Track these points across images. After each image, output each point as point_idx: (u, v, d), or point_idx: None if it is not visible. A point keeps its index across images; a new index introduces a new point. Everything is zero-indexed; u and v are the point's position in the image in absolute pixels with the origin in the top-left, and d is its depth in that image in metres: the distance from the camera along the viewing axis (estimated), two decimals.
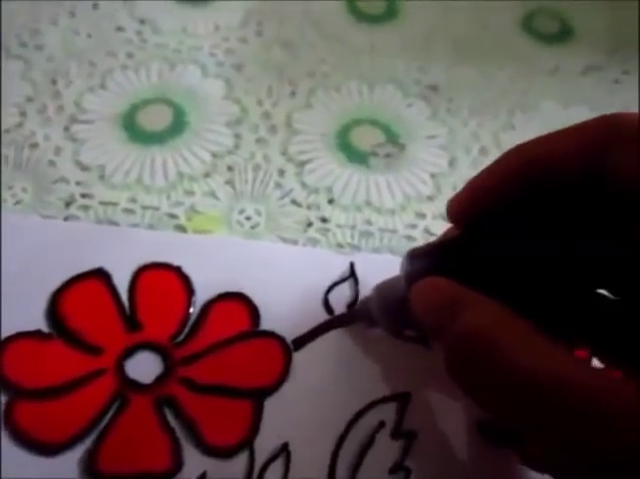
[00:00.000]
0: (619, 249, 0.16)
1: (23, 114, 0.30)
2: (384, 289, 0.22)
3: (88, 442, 0.22)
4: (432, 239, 0.27)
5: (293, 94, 0.32)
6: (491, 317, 0.16)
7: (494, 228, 0.18)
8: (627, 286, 0.17)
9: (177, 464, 0.22)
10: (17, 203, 0.27)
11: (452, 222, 0.20)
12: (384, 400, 0.24)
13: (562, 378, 0.14)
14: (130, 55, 0.33)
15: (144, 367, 0.23)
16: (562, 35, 0.37)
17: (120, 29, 0.34)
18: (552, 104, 0.33)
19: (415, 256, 0.20)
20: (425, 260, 0.19)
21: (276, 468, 0.22)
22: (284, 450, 0.22)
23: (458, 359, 0.16)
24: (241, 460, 0.22)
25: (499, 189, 0.18)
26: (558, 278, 0.17)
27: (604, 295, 0.18)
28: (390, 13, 0.36)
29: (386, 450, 0.23)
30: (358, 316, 0.25)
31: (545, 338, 0.15)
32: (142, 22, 0.34)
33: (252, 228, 0.27)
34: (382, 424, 0.23)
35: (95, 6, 0.35)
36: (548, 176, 0.17)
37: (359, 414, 0.23)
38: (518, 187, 0.18)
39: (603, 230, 0.17)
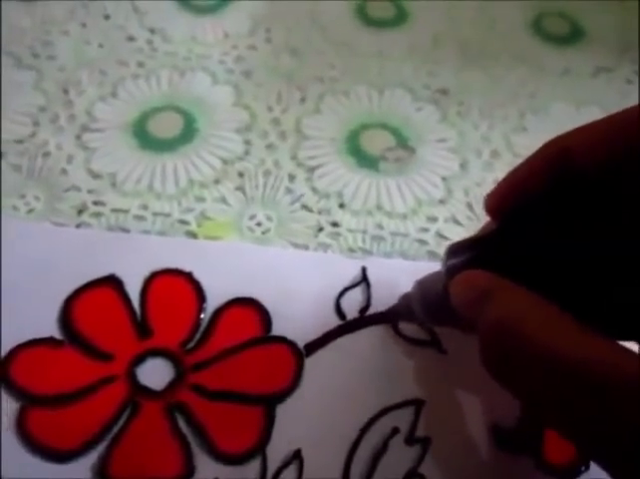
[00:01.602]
0: None
1: (36, 123, 0.30)
2: (425, 285, 0.22)
3: (100, 449, 0.22)
4: (444, 242, 0.27)
5: (302, 100, 0.32)
6: (522, 305, 0.16)
7: (532, 220, 0.18)
8: None
9: (189, 471, 0.21)
10: (30, 211, 0.27)
11: (489, 215, 0.20)
12: (397, 406, 0.23)
13: (591, 361, 0.14)
14: (140, 64, 0.33)
15: (155, 374, 0.23)
16: (572, 36, 0.36)
17: (130, 38, 0.34)
18: (564, 105, 0.33)
19: (454, 251, 0.20)
20: (464, 254, 0.19)
21: (289, 475, 0.22)
22: (297, 457, 0.22)
23: (490, 347, 0.16)
24: (253, 467, 0.22)
25: (536, 181, 0.18)
26: (592, 273, 0.16)
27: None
28: (398, 18, 0.36)
29: (400, 457, 0.22)
30: (399, 313, 0.24)
31: (576, 324, 0.15)
32: (152, 31, 0.34)
33: (263, 233, 0.27)
34: (395, 430, 0.23)
35: (106, 17, 0.35)
36: (583, 166, 0.17)
37: (372, 420, 0.23)
38: (554, 178, 0.18)
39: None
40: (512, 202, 0.19)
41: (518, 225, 0.18)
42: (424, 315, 0.22)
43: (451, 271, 0.19)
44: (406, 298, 0.24)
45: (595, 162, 0.17)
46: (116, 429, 0.22)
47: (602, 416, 0.14)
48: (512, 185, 0.19)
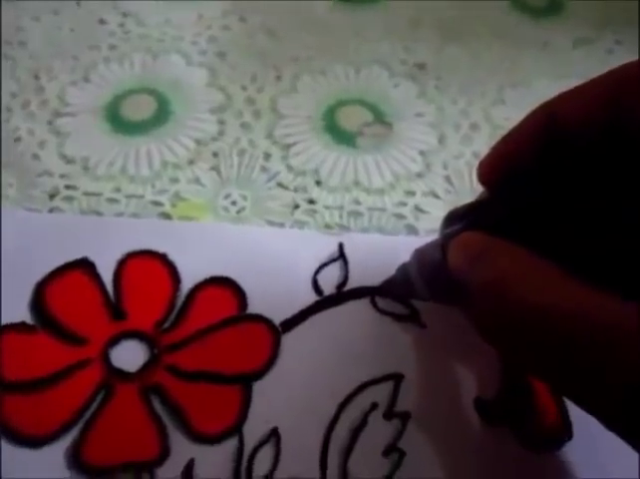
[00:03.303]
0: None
1: (8, 110, 0.30)
2: (423, 253, 0.22)
3: (74, 433, 0.21)
4: (422, 216, 0.27)
5: (278, 79, 0.31)
6: (516, 263, 0.16)
7: (524, 185, 0.18)
8: None
9: (164, 452, 0.21)
10: (5, 198, 0.27)
11: (482, 184, 0.20)
12: (376, 381, 0.23)
13: (590, 314, 0.14)
14: (113, 47, 0.32)
15: (129, 356, 0.23)
16: (551, 8, 0.36)
17: (102, 22, 0.34)
18: (543, 78, 0.32)
19: (451, 218, 0.20)
20: (460, 221, 0.19)
21: (266, 453, 0.21)
22: (274, 435, 0.22)
23: (484, 306, 0.16)
24: (230, 446, 0.21)
25: (525, 147, 0.18)
26: (581, 230, 0.17)
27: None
28: None
29: (379, 432, 0.22)
30: (396, 284, 0.24)
31: (571, 278, 0.15)
32: (124, 15, 0.34)
33: (238, 212, 0.27)
34: (374, 406, 0.22)
35: (78, 4, 0.34)
36: (570, 130, 0.17)
37: (350, 396, 0.23)
38: (543, 144, 0.18)
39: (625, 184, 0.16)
40: (504, 169, 0.19)
41: (511, 189, 0.19)
42: (422, 284, 0.22)
43: (448, 238, 0.19)
44: (403, 268, 0.23)
45: (580, 125, 0.17)
46: (89, 413, 0.22)
47: (601, 367, 0.13)
48: (503, 153, 0.19)
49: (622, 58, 0.34)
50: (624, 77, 0.16)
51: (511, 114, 0.30)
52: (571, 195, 0.17)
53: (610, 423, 0.14)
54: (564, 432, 0.22)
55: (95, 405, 0.22)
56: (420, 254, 0.22)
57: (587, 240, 0.17)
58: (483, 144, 0.29)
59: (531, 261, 0.16)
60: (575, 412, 0.22)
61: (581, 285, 0.15)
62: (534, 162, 0.18)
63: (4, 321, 0.23)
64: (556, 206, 0.17)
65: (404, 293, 0.24)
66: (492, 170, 0.20)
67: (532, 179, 0.18)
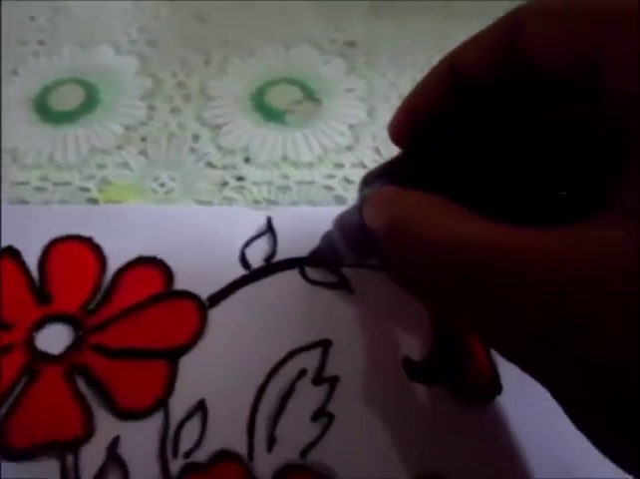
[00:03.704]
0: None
1: None
2: (343, 218, 0.22)
3: None
4: (350, 186, 0.27)
5: (207, 63, 0.31)
6: (410, 204, 0.16)
7: (432, 138, 0.18)
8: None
9: (89, 430, 0.21)
10: None
11: (394, 143, 0.20)
12: (305, 348, 0.23)
13: (478, 243, 0.14)
14: (41, 42, 0.32)
15: (54, 339, 0.23)
16: None
17: (32, 18, 0.34)
18: None
19: (367, 179, 0.20)
20: (375, 181, 0.20)
21: (193, 426, 0.21)
22: (200, 407, 0.21)
23: (386, 247, 0.17)
24: (156, 421, 0.21)
25: (431, 102, 0.19)
26: (480, 178, 0.17)
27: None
28: None
29: (308, 398, 0.22)
30: (323, 252, 0.24)
31: (466, 213, 0.15)
32: (54, 9, 0.34)
33: (167, 193, 0.27)
34: (303, 372, 0.22)
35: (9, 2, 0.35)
36: (472, 78, 0.17)
37: (279, 364, 0.22)
38: (448, 95, 0.18)
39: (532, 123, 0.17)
40: (413, 125, 0.19)
41: (421, 143, 0.19)
42: (345, 248, 0.22)
43: (365, 198, 0.19)
44: (327, 236, 0.23)
45: (479, 72, 0.17)
46: (13, 397, 0.21)
47: (490, 296, 0.14)
48: (410, 109, 0.19)
49: None
50: (517, 14, 0.17)
51: None
52: (475, 141, 0.18)
53: (512, 356, 0.14)
54: (494, 384, 0.22)
55: (18, 389, 0.22)
56: (341, 220, 0.22)
57: (491, 183, 0.17)
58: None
59: (432, 203, 0.16)
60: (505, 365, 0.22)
61: (482, 220, 0.15)
62: (441, 114, 0.19)
63: None
64: (463, 153, 0.18)
65: (330, 261, 0.24)
66: (402, 127, 0.20)
67: (440, 130, 0.19)
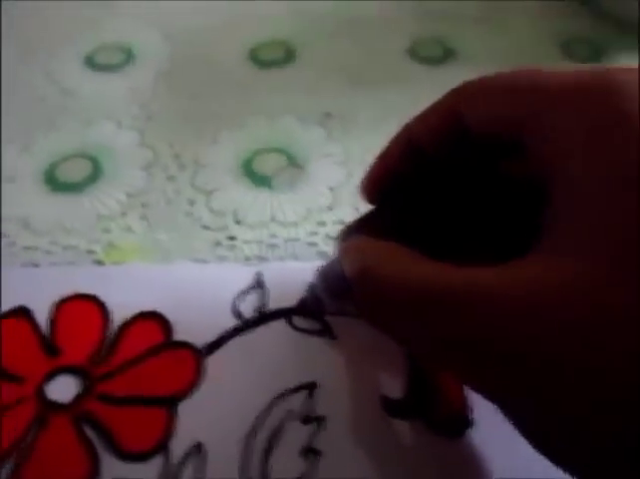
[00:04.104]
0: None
1: None
2: (325, 270, 0.25)
3: (8, 466, 0.23)
4: (331, 242, 0.30)
5: (200, 135, 0.35)
6: (379, 252, 0.19)
7: (397, 195, 0.22)
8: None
9: (94, 472, 0.23)
10: None
11: (366, 201, 0.23)
12: (292, 391, 0.25)
13: (422, 283, 0.16)
14: (51, 120, 0.36)
15: (63, 389, 0.25)
16: (446, 57, 0.41)
17: (42, 99, 0.37)
18: None
19: (343, 234, 0.23)
20: (351, 234, 0.23)
21: (191, 467, 0.23)
22: (198, 449, 0.23)
23: (357, 293, 0.19)
24: (157, 463, 0.23)
25: (392, 168, 0.22)
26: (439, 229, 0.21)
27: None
28: (286, 57, 0.40)
29: (296, 436, 0.24)
30: (307, 302, 0.27)
31: (418, 257, 0.18)
32: (63, 92, 0.38)
33: (165, 253, 0.29)
34: (291, 412, 0.24)
35: (20, 82, 0.38)
36: (424, 145, 0.20)
37: (269, 406, 0.24)
38: (406, 162, 0.21)
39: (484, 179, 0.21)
40: (380, 185, 0.23)
41: (389, 200, 0.22)
42: (327, 297, 0.25)
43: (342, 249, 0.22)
44: (311, 287, 0.26)
45: (429, 140, 0.20)
46: (25, 445, 0.23)
47: (456, 331, 0.16)
48: (377, 172, 0.23)
49: None
50: (457, 91, 0.20)
51: None
52: (433, 196, 0.21)
53: (464, 379, 0.17)
54: (466, 416, 0.24)
55: (30, 438, 0.24)
56: (323, 272, 0.25)
57: (447, 228, 0.21)
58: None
59: (391, 250, 0.19)
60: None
61: (430, 262, 0.17)
62: (404, 175, 0.22)
63: None
64: (421, 208, 0.21)
65: (315, 309, 0.27)
66: (371, 187, 0.23)
67: (404, 189, 0.22)
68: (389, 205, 0.22)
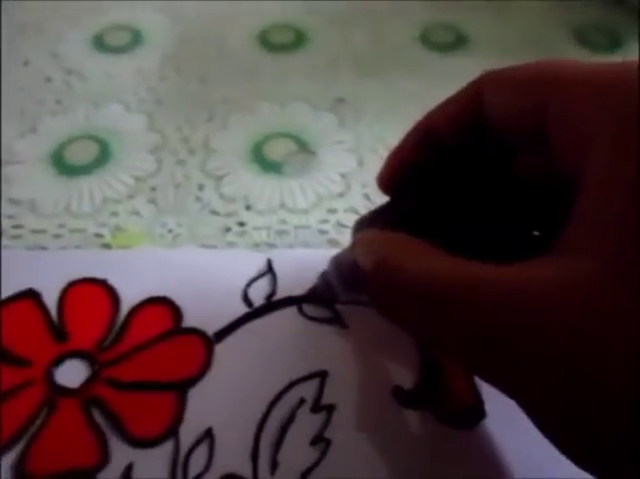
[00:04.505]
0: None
1: None
2: (338, 258, 0.25)
3: (18, 448, 0.23)
4: (343, 230, 0.29)
5: (210, 119, 0.34)
6: (395, 244, 0.19)
7: (413, 186, 0.22)
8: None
9: (104, 458, 0.22)
10: None
11: (382, 191, 0.23)
12: (303, 379, 0.25)
13: (453, 278, 0.16)
14: (58, 101, 0.35)
15: (71, 373, 0.25)
16: (457, 44, 0.40)
17: (48, 80, 0.37)
18: None
19: (359, 224, 0.23)
20: (366, 225, 0.23)
21: (201, 453, 0.23)
22: (208, 435, 0.23)
23: (373, 284, 0.19)
24: (167, 448, 0.23)
25: (412, 156, 0.22)
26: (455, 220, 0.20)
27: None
28: (297, 41, 0.40)
29: (306, 424, 0.24)
30: (319, 290, 0.26)
31: (441, 253, 0.17)
32: (69, 72, 0.37)
33: (174, 238, 0.29)
34: (302, 401, 0.24)
35: (25, 63, 0.38)
36: (445, 139, 0.20)
37: (279, 395, 0.24)
38: (424, 153, 0.21)
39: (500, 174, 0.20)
40: (396, 177, 0.22)
41: (405, 192, 0.22)
42: (340, 286, 0.24)
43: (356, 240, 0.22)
44: (323, 275, 0.26)
45: (449, 131, 0.20)
46: (33, 428, 0.23)
47: (461, 328, 0.16)
48: (394, 163, 0.22)
49: None
50: (479, 82, 0.20)
51: None
52: (453, 190, 0.21)
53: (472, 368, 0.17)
54: (478, 409, 0.24)
55: (39, 421, 0.23)
56: (336, 260, 0.25)
57: (464, 223, 0.20)
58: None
59: (407, 242, 0.19)
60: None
61: (447, 256, 0.17)
62: (421, 167, 0.22)
63: None
64: (441, 201, 0.21)
65: (326, 298, 0.26)
66: (388, 178, 0.23)
67: (421, 182, 0.21)
68: (404, 197, 0.22)
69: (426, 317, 0.17)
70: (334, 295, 0.26)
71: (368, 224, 0.23)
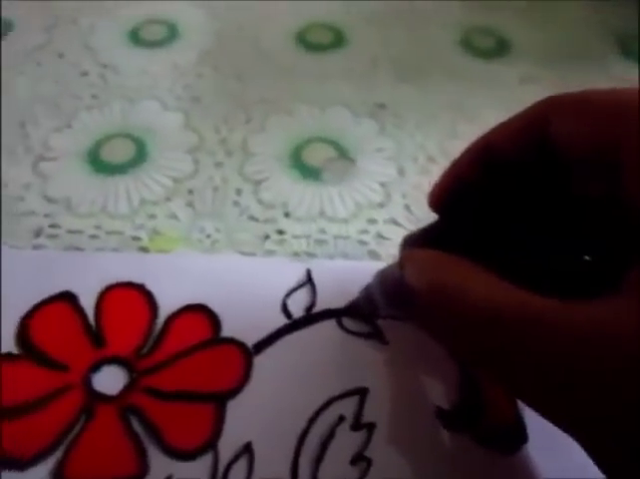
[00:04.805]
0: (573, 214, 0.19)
1: None
2: (384, 273, 0.24)
3: (58, 454, 0.23)
4: (383, 242, 0.29)
5: (248, 120, 0.34)
6: (458, 269, 0.18)
7: (468, 207, 0.21)
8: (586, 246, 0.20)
9: (143, 469, 0.22)
10: None
11: (433, 210, 0.23)
12: (343, 396, 0.24)
13: (504, 305, 0.16)
14: (94, 96, 0.35)
15: (109, 380, 0.24)
16: (499, 50, 0.39)
17: (84, 74, 0.36)
18: (493, 112, 0.35)
19: (408, 240, 0.23)
20: (416, 242, 0.22)
21: (240, 467, 0.23)
22: (247, 449, 0.23)
23: (431, 307, 0.19)
24: (206, 461, 0.23)
25: (467, 175, 0.21)
26: (513, 245, 0.20)
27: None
28: (336, 42, 0.39)
29: (347, 443, 0.23)
30: (361, 304, 0.26)
31: (494, 278, 0.17)
32: (104, 66, 0.37)
33: (212, 244, 0.29)
34: (342, 418, 0.24)
35: (60, 55, 0.37)
36: (504, 156, 0.20)
37: (319, 410, 0.24)
38: (482, 171, 0.20)
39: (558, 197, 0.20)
40: (450, 196, 0.22)
41: (457, 212, 0.21)
42: (383, 301, 0.24)
43: (406, 257, 0.21)
44: (367, 289, 0.25)
45: (511, 151, 0.20)
46: (72, 435, 0.23)
47: (525, 359, 0.16)
48: (447, 181, 0.22)
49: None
50: (549, 101, 0.19)
51: (465, 147, 0.33)
52: (507, 212, 0.20)
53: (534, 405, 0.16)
54: (520, 434, 0.24)
55: (77, 427, 0.23)
56: (381, 275, 0.24)
57: (519, 250, 0.20)
58: (439, 175, 0.31)
59: (469, 268, 0.18)
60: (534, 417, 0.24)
61: (509, 285, 0.17)
62: (475, 187, 0.21)
63: None
64: (494, 223, 0.20)
65: (368, 312, 0.26)
66: (440, 197, 0.22)
67: (475, 202, 0.21)
68: (456, 217, 0.22)
69: (477, 343, 0.17)
70: (376, 310, 0.25)
71: (417, 241, 0.23)
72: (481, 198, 0.21)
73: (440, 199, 0.22)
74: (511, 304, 0.16)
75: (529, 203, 0.20)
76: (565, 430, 0.16)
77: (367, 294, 0.25)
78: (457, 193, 0.22)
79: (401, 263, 0.21)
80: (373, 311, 0.26)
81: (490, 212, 0.21)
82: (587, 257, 0.21)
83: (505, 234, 0.20)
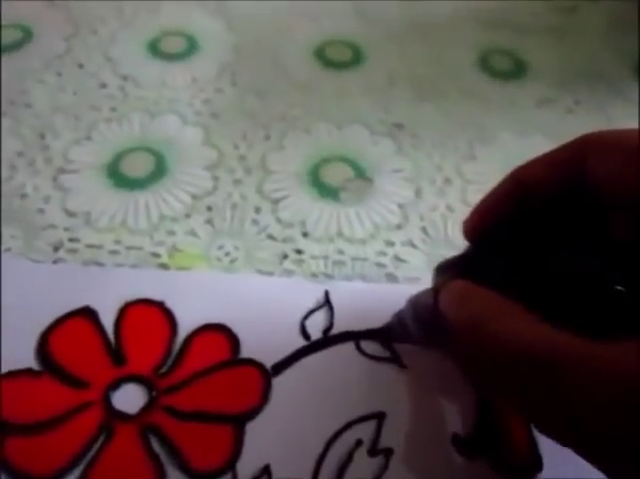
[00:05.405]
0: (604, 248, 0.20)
1: (13, 167, 0.32)
2: (417, 300, 0.24)
3: (76, 473, 0.23)
4: (401, 265, 0.29)
5: (267, 137, 0.34)
6: (491, 304, 0.19)
7: (500, 240, 0.21)
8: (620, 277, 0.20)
9: None
10: (6, 250, 0.28)
11: (466, 239, 0.23)
12: (361, 419, 0.25)
13: (547, 349, 0.16)
14: (113, 109, 0.35)
15: (129, 398, 0.25)
16: (516, 71, 0.39)
17: (103, 85, 0.36)
18: (509, 134, 0.35)
19: (441, 268, 0.23)
20: (449, 271, 0.22)
21: None
22: (266, 471, 0.23)
23: (463, 341, 0.19)
24: None
25: (499, 209, 0.21)
26: (549, 281, 0.20)
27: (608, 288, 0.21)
28: (355, 59, 0.39)
29: (364, 467, 0.24)
30: (392, 329, 0.26)
31: (527, 315, 0.17)
32: (124, 78, 0.37)
33: (231, 262, 0.29)
34: (359, 442, 0.24)
35: (80, 66, 0.37)
36: (538, 191, 0.20)
37: (337, 434, 0.24)
38: (515, 205, 0.21)
39: (591, 233, 0.20)
40: (484, 226, 0.22)
41: (490, 244, 0.22)
42: (415, 327, 0.24)
43: (438, 285, 0.22)
44: (399, 314, 0.26)
45: (544, 187, 0.20)
46: (92, 453, 0.23)
47: (556, 396, 0.16)
48: (482, 213, 0.22)
49: (580, 116, 0.37)
50: (586, 139, 0.19)
51: (481, 169, 0.33)
52: (540, 247, 0.21)
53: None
54: (535, 462, 0.24)
55: (97, 445, 0.23)
56: (414, 301, 0.24)
57: (553, 286, 0.20)
58: (456, 197, 0.32)
59: (501, 303, 0.18)
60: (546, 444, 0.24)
61: (542, 323, 0.17)
62: (508, 220, 0.21)
63: (11, 369, 0.25)
64: (528, 256, 0.20)
65: (399, 337, 0.26)
66: (474, 228, 0.23)
67: (508, 234, 0.21)
68: (488, 249, 0.22)
69: (510, 379, 0.17)
70: (407, 335, 0.25)
71: (450, 269, 0.23)
72: (515, 229, 0.21)
73: (475, 230, 0.23)
74: (541, 342, 0.16)
75: (563, 236, 0.20)
76: (591, 462, 0.16)
77: (399, 319, 0.25)
78: (488, 225, 0.22)
79: (435, 291, 0.22)
80: (403, 337, 0.26)
81: (523, 243, 0.21)
82: (620, 288, 0.21)
83: (538, 265, 0.20)
